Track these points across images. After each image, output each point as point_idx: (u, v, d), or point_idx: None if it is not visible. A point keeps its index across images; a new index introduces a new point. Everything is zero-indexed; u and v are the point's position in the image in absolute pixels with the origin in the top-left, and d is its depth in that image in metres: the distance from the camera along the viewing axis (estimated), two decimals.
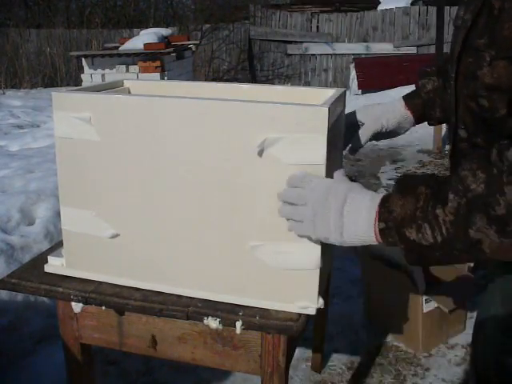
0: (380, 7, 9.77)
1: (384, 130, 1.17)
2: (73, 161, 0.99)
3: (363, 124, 1.17)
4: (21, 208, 2.56)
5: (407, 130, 1.21)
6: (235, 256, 0.93)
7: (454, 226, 0.68)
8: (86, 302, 1.01)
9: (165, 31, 6.72)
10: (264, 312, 0.94)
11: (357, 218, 0.76)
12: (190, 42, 6.98)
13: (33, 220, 2.56)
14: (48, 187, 2.77)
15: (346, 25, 9.69)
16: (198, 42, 8.28)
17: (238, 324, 0.92)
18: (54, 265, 1.07)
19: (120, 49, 6.21)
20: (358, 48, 9.27)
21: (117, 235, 0.99)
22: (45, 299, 2.08)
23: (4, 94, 7.88)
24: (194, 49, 7.13)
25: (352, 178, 1.68)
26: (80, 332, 1.08)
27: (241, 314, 0.93)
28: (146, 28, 7.58)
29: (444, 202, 0.69)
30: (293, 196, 0.83)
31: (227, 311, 0.94)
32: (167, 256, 0.98)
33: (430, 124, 1.21)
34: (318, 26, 9.95)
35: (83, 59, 6.08)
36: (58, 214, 2.61)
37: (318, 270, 0.90)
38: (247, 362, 0.99)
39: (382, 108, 1.17)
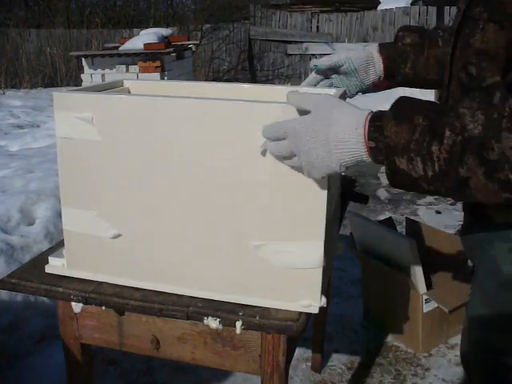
0: (380, 7, 9.78)
1: (358, 82, 1.13)
2: (74, 161, 0.98)
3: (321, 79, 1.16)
4: (21, 208, 2.56)
5: (375, 79, 1.14)
6: (238, 255, 0.93)
7: (446, 163, 0.68)
8: (86, 302, 1.01)
9: (165, 31, 6.72)
10: (264, 312, 0.94)
11: (344, 130, 0.72)
12: (189, 42, 6.98)
13: (33, 220, 2.56)
14: (48, 187, 2.77)
15: (346, 25, 9.70)
16: (197, 42, 8.28)
17: (238, 324, 0.92)
18: (55, 265, 1.07)
19: (120, 49, 6.21)
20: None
21: (118, 235, 0.99)
22: (45, 299, 2.08)
23: (4, 93, 7.88)
24: (193, 49, 7.13)
25: (352, 178, 1.67)
26: (80, 332, 1.08)
27: (241, 314, 0.93)
28: (146, 28, 7.59)
29: (440, 138, 0.68)
30: (272, 131, 0.80)
31: (227, 311, 0.94)
32: (169, 256, 0.98)
33: (395, 80, 1.16)
34: (318, 26, 9.95)
35: (83, 59, 6.08)
36: (58, 214, 2.61)
37: (320, 269, 0.90)
38: (247, 362, 0.99)
39: (353, 51, 1.15)
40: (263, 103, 0.86)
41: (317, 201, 0.86)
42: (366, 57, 1.13)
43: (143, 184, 0.95)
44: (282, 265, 0.91)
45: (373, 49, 1.14)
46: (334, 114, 0.74)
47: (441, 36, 1.10)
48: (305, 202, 0.87)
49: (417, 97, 0.75)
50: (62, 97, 0.96)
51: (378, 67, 1.13)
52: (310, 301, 0.92)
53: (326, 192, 0.85)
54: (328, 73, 1.15)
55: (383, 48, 1.13)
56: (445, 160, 0.68)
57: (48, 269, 1.07)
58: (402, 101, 0.73)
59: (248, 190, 0.89)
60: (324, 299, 0.93)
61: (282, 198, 0.88)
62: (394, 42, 1.14)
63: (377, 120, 0.71)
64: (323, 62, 1.13)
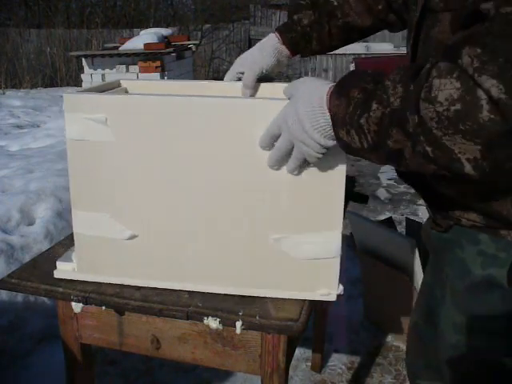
0: None
1: (264, 71, 1.15)
2: (86, 163, 0.97)
3: (242, 73, 1.15)
4: (21, 208, 2.56)
5: (285, 65, 1.20)
6: (257, 250, 0.95)
7: (377, 135, 0.70)
8: (86, 302, 1.01)
9: (165, 31, 6.72)
10: (264, 312, 0.94)
11: (310, 100, 0.77)
12: (189, 42, 6.98)
13: (33, 220, 2.56)
14: (48, 187, 2.77)
15: None
16: (197, 42, 8.29)
17: (238, 324, 0.92)
18: (65, 270, 1.05)
19: (120, 49, 6.21)
20: (358, 48, 9.26)
21: (134, 236, 0.98)
22: (45, 299, 2.08)
23: (4, 94, 7.87)
24: (193, 49, 7.14)
25: (352, 178, 1.68)
26: (80, 332, 1.08)
27: (241, 314, 0.93)
28: (146, 28, 7.59)
29: (368, 111, 0.69)
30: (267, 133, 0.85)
31: (227, 311, 0.94)
32: (188, 254, 0.97)
33: (303, 56, 1.20)
34: None
35: (83, 59, 6.08)
36: (57, 214, 2.61)
37: (339, 258, 0.93)
38: (247, 362, 0.99)
39: (258, 52, 1.15)
40: (283, 100, 0.86)
41: (335, 191, 0.88)
42: (274, 57, 1.14)
43: (159, 183, 0.94)
44: (302, 256, 0.93)
45: (273, 41, 1.14)
46: (300, 90, 0.79)
47: (335, 6, 1.12)
48: (322, 193, 0.89)
49: None
50: (72, 98, 0.94)
51: (286, 59, 1.17)
52: (329, 289, 0.95)
53: (343, 181, 0.87)
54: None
55: (283, 35, 1.14)
56: (375, 132, 0.70)
57: (57, 274, 1.05)
58: (348, 74, 0.77)
59: (266, 185, 0.90)
60: (341, 287, 0.96)
61: (300, 190, 0.89)
62: (291, 25, 1.14)
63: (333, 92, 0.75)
64: (246, 83, 1.14)
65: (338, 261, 0.93)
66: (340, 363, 2.05)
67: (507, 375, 0.93)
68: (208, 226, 0.95)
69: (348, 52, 9.37)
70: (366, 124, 0.70)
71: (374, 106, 0.69)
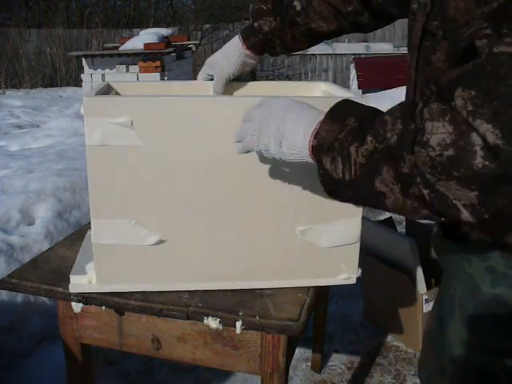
0: None
1: (231, 76, 1.18)
2: (108, 169, 0.93)
3: (212, 75, 1.20)
4: (21, 208, 2.56)
5: (254, 65, 1.22)
6: (285, 243, 0.98)
7: (362, 169, 0.66)
8: (86, 302, 1.01)
9: (165, 31, 6.72)
10: (264, 312, 0.94)
11: (297, 128, 0.74)
12: (189, 42, 6.98)
13: (33, 220, 2.56)
14: (48, 187, 2.77)
15: None
16: (197, 42, 8.28)
17: (238, 324, 0.92)
18: (81, 283, 1.01)
19: (120, 49, 6.21)
20: (358, 48, 9.26)
21: (161, 241, 0.96)
22: (45, 299, 2.07)
23: (4, 93, 7.87)
24: (193, 49, 7.13)
25: None
26: (80, 332, 1.08)
27: (241, 314, 0.94)
28: (146, 28, 7.58)
29: (361, 142, 0.66)
30: (244, 115, 0.82)
31: (227, 311, 0.94)
32: (220, 254, 0.98)
33: (271, 56, 1.23)
34: None
35: (83, 59, 6.08)
36: (57, 214, 2.61)
37: (359, 243, 0.98)
38: (247, 362, 0.99)
39: (224, 59, 1.17)
40: (308, 97, 0.89)
41: None
42: (240, 62, 1.17)
43: (186, 183, 0.94)
44: (327, 244, 0.98)
45: (238, 46, 1.16)
46: (291, 112, 0.76)
47: (298, 12, 1.11)
48: None
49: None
50: (94, 102, 0.90)
51: (254, 60, 1.19)
52: (349, 274, 1.01)
53: None
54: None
55: (247, 40, 1.15)
56: (361, 165, 0.66)
57: (73, 288, 1.01)
58: (343, 102, 0.74)
59: (290, 180, 0.94)
60: (360, 270, 1.02)
61: None
62: (253, 31, 1.15)
63: (319, 124, 0.72)
64: (216, 90, 1.18)
65: (358, 246, 0.99)
66: (340, 363, 2.05)
67: None
68: (236, 225, 0.96)
69: (348, 52, 9.37)
70: (354, 154, 0.66)
71: (369, 138, 0.66)
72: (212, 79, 1.19)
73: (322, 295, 1.79)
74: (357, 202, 0.73)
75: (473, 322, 0.90)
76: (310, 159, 0.74)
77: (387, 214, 3.52)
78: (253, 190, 0.95)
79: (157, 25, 10.09)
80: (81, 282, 1.01)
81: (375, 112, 0.70)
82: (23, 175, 3.04)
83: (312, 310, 0.99)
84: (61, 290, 1.02)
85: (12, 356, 1.94)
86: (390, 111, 0.67)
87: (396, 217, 3.38)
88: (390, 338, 2.20)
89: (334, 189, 0.72)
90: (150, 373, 1.95)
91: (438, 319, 1.06)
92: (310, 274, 1.01)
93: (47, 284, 1.04)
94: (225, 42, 1.22)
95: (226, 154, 0.91)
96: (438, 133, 0.60)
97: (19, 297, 2.10)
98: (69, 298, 1.01)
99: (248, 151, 0.81)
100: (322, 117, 0.73)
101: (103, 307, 1.01)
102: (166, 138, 0.92)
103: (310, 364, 2.01)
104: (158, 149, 0.92)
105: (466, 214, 0.62)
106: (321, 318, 1.89)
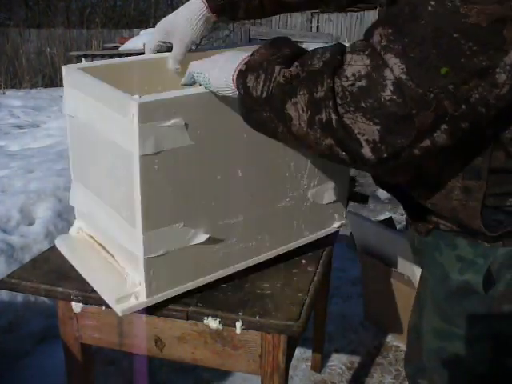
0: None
1: (193, 44, 1.13)
2: (163, 177, 0.86)
3: (166, 43, 1.10)
4: (21, 208, 2.56)
5: (209, 30, 1.19)
6: (300, 207, 1.09)
7: (278, 89, 0.68)
8: (86, 302, 1.01)
9: None
10: (264, 312, 0.94)
11: (236, 57, 0.78)
12: None
13: (33, 220, 2.56)
14: (48, 187, 2.77)
15: (346, 25, 9.70)
16: (197, 41, 8.28)
17: (238, 324, 0.92)
18: (130, 303, 0.93)
19: (120, 49, 6.22)
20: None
21: (210, 238, 0.95)
22: (45, 299, 2.07)
23: (4, 93, 7.87)
24: (193, 49, 7.13)
25: (352, 178, 1.67)
26: (80, 332, 1.08)
27: (241, 314, 0.94)
28: (146, 28, 7.59)
29: (288, 65, 0.69)
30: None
31: (227, 311, 0.94)
32: (253, 232, 1.03)
33: (225, 22, 1.20)
34: (318, 26, 9.96)
35: (83, 59, 6.08)
36: (57, 214, 2.61)
37: (346, 195, 1.20)
38: (247, 362, 0.99)
39: (187, 23, 1.09)
40: None
41: None
42: (203, 26, 1.11)
43: (235, 175, 0.96)
44: (327, 201, 1.13)
45: (201, 9, 1.08)
46: (234, 52, 0.82)
47: None
48: None
49: None
50: (148, 106, 0.80)
51: (210, 25, 1.14)
52: (340, 221, 1.20)
53: None
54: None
55: (211, 2, 1.08)
56: (279, 84, 0.68)
57: (124, 311, 0.93)
58: (283, 37, 0.78)
59: (300, 151, 1.02)
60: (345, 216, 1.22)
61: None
62: None
63: (254, 51, 0.76)
64: (178, 57, 1.11)
65: (346, 196, 1.20)
66: (340, 363, 2.05)
67: (489, 380, 0.92)
68: (265, 204, 1.03)
69: None
70: (277, 72, 0.69)
71: (295, 64, 0.69)
72: (163, 47, 1.10)
73: (322, 295, 1.79)
74: (267, 127, 0.74)
75: (443, 310, 0.92)
76: (233, 85, 0.76)
77: (387, 214, 3.52)
78: (279, 172, 1.03)
79: None
80: (129, 303, 0.93)
81: (308, 51, 0.73)
82: (23, 175, 3.04)
83: (312, 309, 0.99)
84: (61, 289, 1.02)
85: (12, 356, 1.94)
86: (326, 47, 0.70)
87: (396, 217, 3.38)
88: (389, 338, 2.20)
89: (249, 109, 0.74)
90: (150, 373, 1.95)
91: (418, 312, 1.07)
92: (314, 229, 1.14)
93: (47, 284, 1.03)
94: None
95: (259, 140, 0.88)
96: (355, 65, 0.64)
97: (19, 297, 2.10)
98: (69, 297, 1.01)
99: (189, 83, 0.87)
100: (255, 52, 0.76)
101: (103, 307, 1.01)
102: (217, 135, 0.90)
103: (309, 364, 2.01)
104: (209, 147, 0.90)
105: (366, 150, 0.64)
106: (321, 318, 1.89)
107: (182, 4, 1.15)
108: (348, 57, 0.65)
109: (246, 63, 0.74)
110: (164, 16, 1.18)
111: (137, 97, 0.80)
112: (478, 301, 0.87)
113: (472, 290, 0.86)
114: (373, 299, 2.28)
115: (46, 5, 11.45)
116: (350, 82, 0.63)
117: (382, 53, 0.62)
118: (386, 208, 3.80)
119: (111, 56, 5.90)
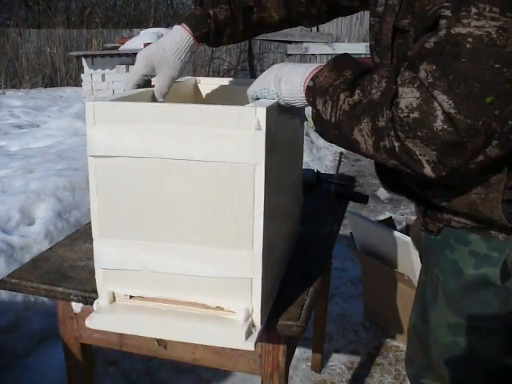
0: None
1: (179, 75, 1.07)
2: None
3: (153, 75, 1.05)
4: (21, 208, 2.56)
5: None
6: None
7: (345, 116, 0.76)
8: (86, 302, 1.01)
9: (165, 31, 6.73)
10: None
11: (295, 72, 0.84)
12: None
13: (33, 220, 2.56)
14: (48, 187, 2.77)
15: (346, 25, 9.69)
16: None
17: None
18: (255, 334, 0.86)
19: (120, 49, 6.22)
20: (358, 48, 9.26)
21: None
22: (45, 299, 2.08)
23: (4, 93, 7.87)
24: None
25: (352, 178, 1.67)
26: (80, 332, 1.08)
27: None
28: (146, 28, 7.59)
29: (351, 93, 0.75)
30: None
31: None
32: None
33: (209, 46, 1.13)
34: (317, 26, 9.95)
35: (83, 59, 6.09)
36: (57, 214, 2.61)
37: None
38: (247, 362, 0.99)
39: (172, 55, 1.04)
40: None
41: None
42: (188, 55, 1.06)
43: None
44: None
45: (186, 38, 1.05)
46: (288, 66, 0.87)
47: (250, 6, 1.08)
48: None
49: None
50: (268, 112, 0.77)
51: (193, 51, 1.09)
52: None
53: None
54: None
55: (196, 30, 1.05)
56: (345, 112, 0.76)
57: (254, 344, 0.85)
58: (343, 55, 0.82)
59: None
60: None
61: None
62: (204, 19, 1.06)
63: (319, 69, 0.82)
64: (163, 91, 1.05)
65: None
66: (340, 363, 2.05)
67: (506, 373, 0.93)
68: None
69: (348, 52, 9.38)
70: (342, 100, 0.76)
71: (357, 91, 0.75)
72: (147, 81, 1.06)
73: (322, 295, 1.79)
74: (339, 144, 0.81)
75: (457, 304, 0.93)
76: (303, 97, 0.83)
77: (387, 214, 3.53)
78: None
79: (157, 25, 10.11)
80: (253, 336, 0.85)
81: (368, 70, 0.78)
82: (23, 175, 3.04)
83: (312, 309, 0.99)
84: (61, 289, 1.02)
85: (12, 356, 1.94)
86: (380, 71, 0.76)
87: (396, 217, 3.38)
88: (389, 338, 2.20)
89: (323, 128, 0.81)
90: (150, 373, 1.95)
91: (420, 312, 1.07)
92: None
93: (47, 284, 1.03)
94: None
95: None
96: (407, 97, 0.70)
97: (19, 297, 2.10)
98: (69, 298, 1.01)
99: (255, 98, 0.90)
100: (317, 65, 0.83)
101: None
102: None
103: (309, 364, 2.01)
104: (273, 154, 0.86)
105: (427, 169, 0.72)
106: (321, 318, 1.89)
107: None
108: (400, 90, 0.71)
109: (312, 79, 0.81)
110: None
111: (251, 105, 0.80)
112: (494, 293, 0.88)
113: (489, 282, 0.88)
114: (373, 299, 2.28)
115: (46, 5, 11.45)
116: (405, 114, 0.70)
117: (430, 89, 0.69)
118: (385, 208, 3.81)
119: (111, 56, 5.90)
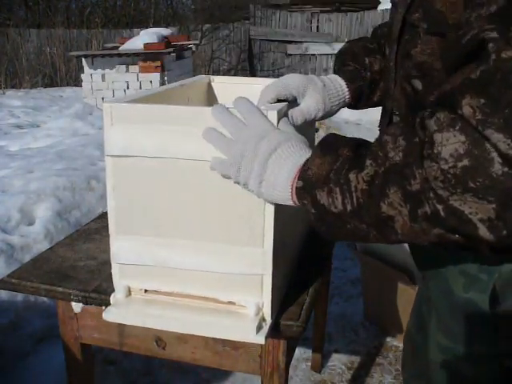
0: (380, 7, 9.77)
1: (321, 114, 0.96)
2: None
3: (298, 102, 0.97)
4: (21, 208, 2.56)
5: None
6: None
7: (365, 195, 0.62)
8: (86, 301, 1.01)
9: (165, 31, 6.74)
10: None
11: (279, 170, 0.70)
12: (189, 42, 6.99)
13: (33, 220, 2.56)
14: (48, 187, 2.77)
15: (346, 25, 9.69)
16: (197, 42, 8.29)
17: None
18: (265, 328, 0.88)
19: (120, 49, 6.22)
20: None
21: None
22: (45, 299, 2.08)
23: (4, 94, 7.87)
24: (194, 49, 7.15)
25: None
26: (80, 332, 1.08)
27: None
28: (146, 28, 7.59)
29: (360, 167, 0.62)
30: (230, 124, 0.76)
31: None
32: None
33: (358, 109, 1.04)
34: (317, 26, 9.95)
35: (83, 59, 6.09)
36: (57, 214, 2.61)
37: None
38: (247, 362, 0.99)
39: (327, 89, 0.97)
40: None
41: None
42: (340, 103, 0.98)
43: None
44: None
45: (344, 87, 0.98)
46: (276, 152, 0.71)
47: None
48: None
49: None
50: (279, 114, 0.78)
51: (342, 107, 1.01)
52: None
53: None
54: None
55: (353, 83, 0.98)
56: (363, 192, 0.62)
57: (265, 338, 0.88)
58: (329, 136, 0.71)
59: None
60: None
61: None
62: (360, 71, 0.99)
63: (307, 161, 0.68)
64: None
65: None
66: (340, 363, 2.05)
67: None
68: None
69: None
70: (355, 180, 0.62)
71: (368, 162, 0.62)
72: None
73: (322, 295, 1.80)
74: (357, 236, 0.67)
75: (447, 327, 0.89)
76: (291, 202, 0.71)
77: None
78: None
79: (157, 25, 10.10)
80: (264, 329, 0.88)
81: (365, 141, 0.67)
82: (23, 175, 3.04)
83: (312, 309, 0.99)
84: (61, 289, 1.02)
85: (12, 356, 1.94)
86: (388, 132, 0.63)
87: None
88: (389, 338, 2.20)
89: (331, 226, 0.67)
90: (150, 373, 1.95)
91: (416, 320, 1.04)
92: None
93: (47, 284, 1.03)
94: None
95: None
96: (450, 143, 0.56)
97: (19, 297, 2.10)
98: (69, 298, 1.02)
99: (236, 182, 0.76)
100: (308, 155, 0.70)
101: (103, 307, 1.01)
102: None
103: (309, 364, 2.01)
104: None
105: (483, 230, 0.57)
106: (321, 318, 1.89)
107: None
108: (438, 136, 0.57)
109: (301, 177, 0.68)
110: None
111: (262, 108, 0.78)
112: (484, 319, 0.83)
113: (478, 307, 0.83)
114: (373, 299, 2.28)
115: (46, 5, 11.45)
116: (451, 164, 0.56)
117: (480, 128, 0.55)
118: None
119: (111, 56, 5.90)
